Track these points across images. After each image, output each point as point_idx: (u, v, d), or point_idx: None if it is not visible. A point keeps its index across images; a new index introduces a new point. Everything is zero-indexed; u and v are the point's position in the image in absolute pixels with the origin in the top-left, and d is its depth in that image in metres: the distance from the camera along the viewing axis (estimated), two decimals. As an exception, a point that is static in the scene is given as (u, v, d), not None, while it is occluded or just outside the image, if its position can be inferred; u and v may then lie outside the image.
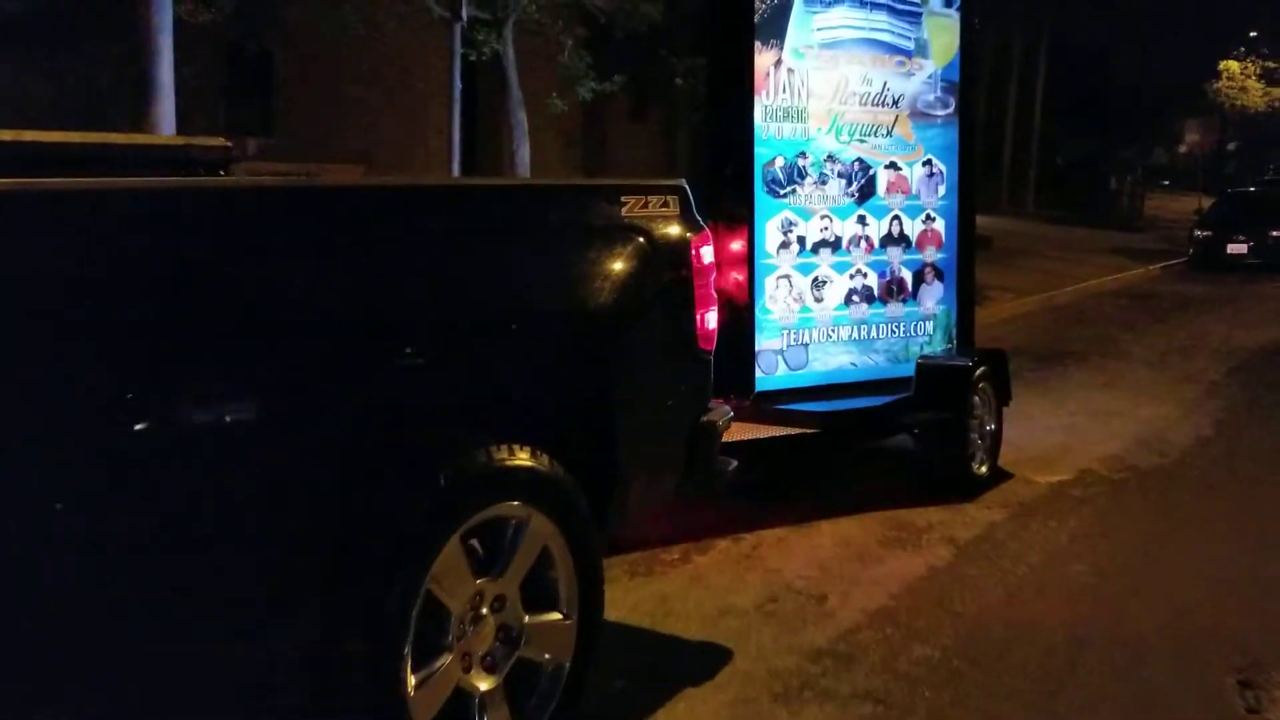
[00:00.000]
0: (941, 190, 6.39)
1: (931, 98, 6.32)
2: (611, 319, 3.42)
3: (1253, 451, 7.29)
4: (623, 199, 3.52)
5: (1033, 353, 11.31)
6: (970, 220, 6.53)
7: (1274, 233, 21.28)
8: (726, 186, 5.79)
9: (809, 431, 5.55)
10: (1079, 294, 16.82)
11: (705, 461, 3.79)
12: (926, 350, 6.40)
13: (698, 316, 3.70)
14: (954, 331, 6.51)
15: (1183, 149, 34.47)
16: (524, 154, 7.90)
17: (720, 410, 3.92)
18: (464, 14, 7.46)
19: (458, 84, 7.46)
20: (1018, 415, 7.97)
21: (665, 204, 3.61)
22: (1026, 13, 21.50)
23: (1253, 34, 37.93)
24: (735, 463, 4.00)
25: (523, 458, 3.02)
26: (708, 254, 3.73)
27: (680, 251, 3.62)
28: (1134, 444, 7.33)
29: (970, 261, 6.56)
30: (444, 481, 2.83)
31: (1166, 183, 40.09)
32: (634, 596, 4.53)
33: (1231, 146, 42.60)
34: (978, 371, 6.11)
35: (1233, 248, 21.36)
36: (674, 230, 3.62)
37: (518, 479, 3.01)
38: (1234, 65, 37.57)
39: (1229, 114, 37.67)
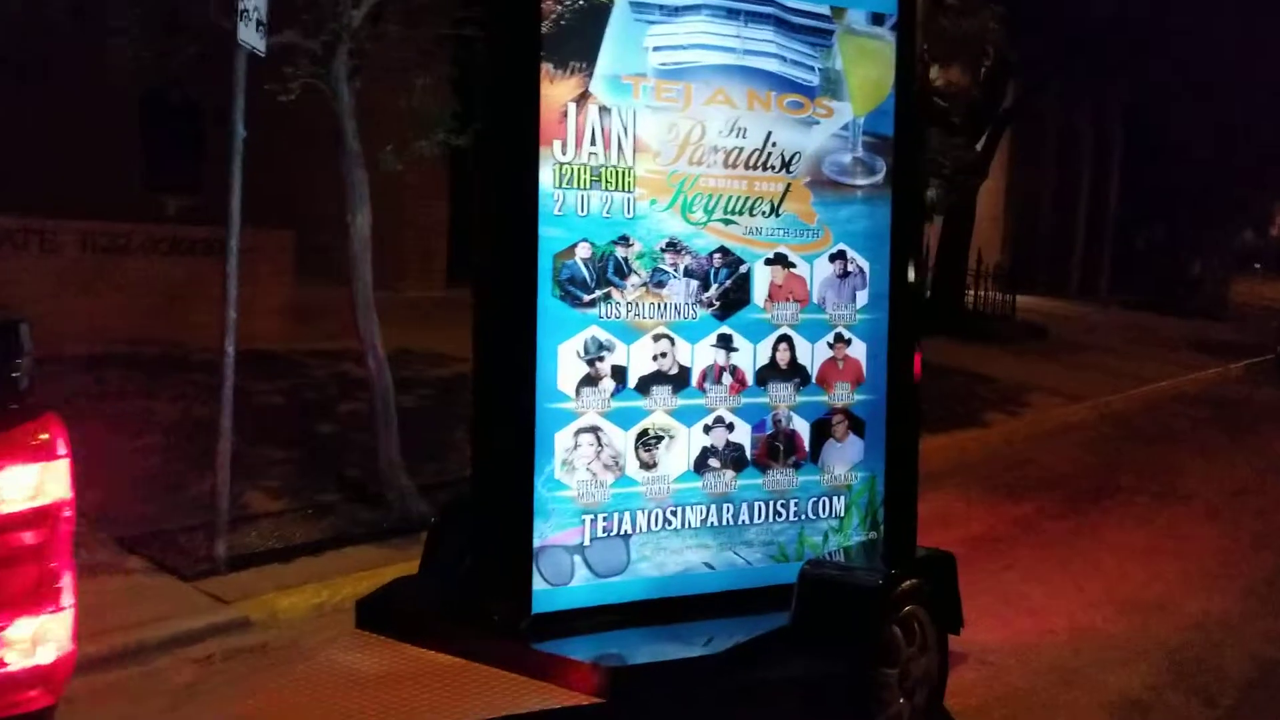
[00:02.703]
0: (862, 297, 4.23)
1: (848, 159, 4.17)
2: None
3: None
4: None
5: (1067, 487, 8.96)
6: (909, 341, 4.34)
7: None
8: (486, 283, 3.71)
9: (593, 704, 3.38)
10: (1143, 399, 14.30)
11: None
12: (834, 543, 4.20)
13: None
14: (880, 514, 4.30)
15: (1275, 231, 31.60)
16: (362, 222, 5.89)
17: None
18: (260, 39, 5.52)
19: (239, 130, 5.49)
20: (1015, 601, 5.74)
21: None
22: (1099, 83, 19.25)
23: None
24: None
25: None
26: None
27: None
28: (1169, 674, 5.01)
29: (910, 404, 4.35)
30: None
31: (1258, 266, 37.12)
32: None
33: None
34: (900, 588, 3.90)
35: (1330, 345, 18.61)
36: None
37: None
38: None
39: (1328, 194, 34.63)
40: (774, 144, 4.01)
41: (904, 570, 4.01)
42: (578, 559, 3.76)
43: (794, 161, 4.06)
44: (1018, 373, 14.46)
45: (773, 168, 4.02)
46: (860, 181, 4.19)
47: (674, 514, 3.92)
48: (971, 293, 18.04)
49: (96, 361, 8.79)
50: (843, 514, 4.23)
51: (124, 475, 6.59)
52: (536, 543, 3.69)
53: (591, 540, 3.78)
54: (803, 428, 4.14)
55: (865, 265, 4.22)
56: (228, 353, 5.60)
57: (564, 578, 3.73)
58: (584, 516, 3.76)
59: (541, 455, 3.68)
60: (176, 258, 10.30)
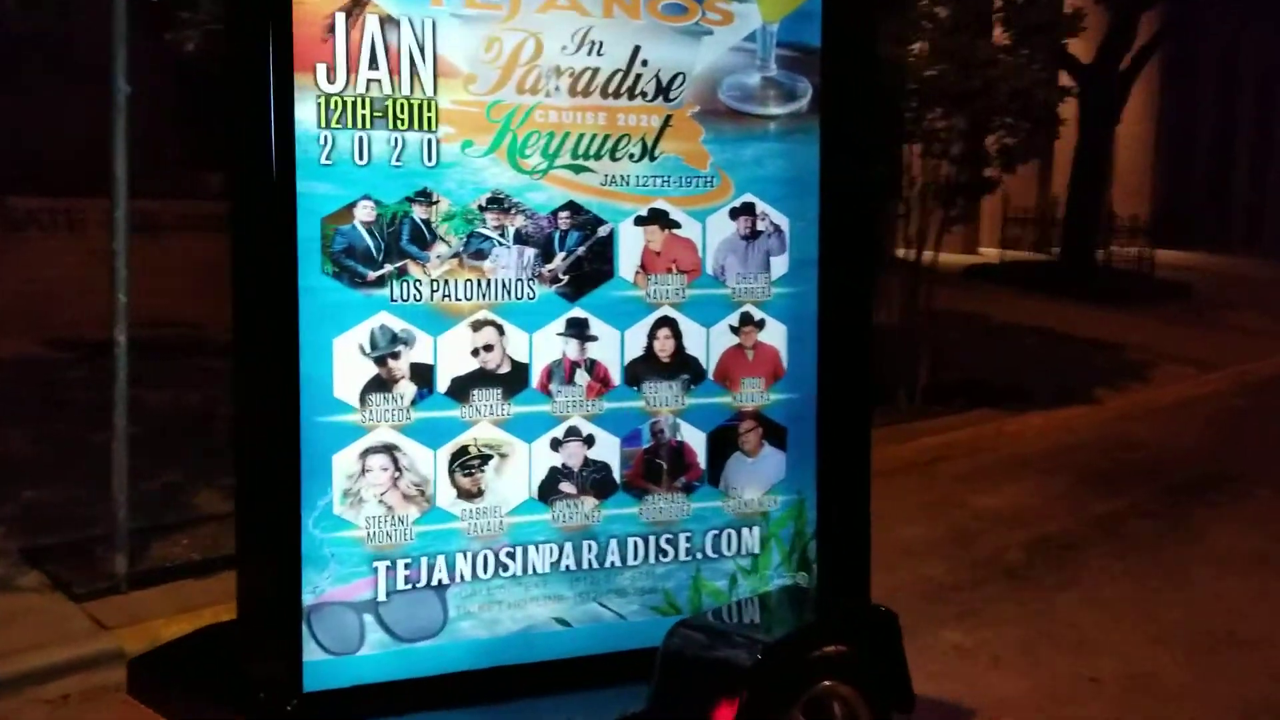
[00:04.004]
0: (779, 265, 3.18)
1: (754, 81, 3.13)
2: None
3: None
4: None
5: (1172, 476, 7.63)
6: (854, 320, 3.28)
7: None
8: (239, 258, 2.81)
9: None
10: (1290, 369, 12.60)
11: None
12: (746, 588, 3.20)
13: None
14: (811, 547, 3.27)
15: None
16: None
17: None
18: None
19: (121, 85, 4.73)
20: (1061, 632, 4.75)
21: None
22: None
23: None
24: None
25: None
26: None
27: None
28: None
29: (856, 404, 3.29)
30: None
31: None
32: None
33: None
34: (809, 657, 2.87)
35: None
36: None
37: None
38: None
39: None
40: (644, 63, 3.00)
41: (818, 633, 2.98)
42: (369, 619, 2.85)
43: (675, 86, 3.03)
44: (1146, 338, 12.93)
45: (644, 95, 3.01)
46: (774, 110, 3.14)
47: (510, 556, 2.98)
48: (1104, 249, 16.39)
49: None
50: (757, 550, 3.21)
51: (72, 474, 6.01)
52: (308, 599, 2.80)
53: (389, 594, 2.87)
54: (695, 439, 3.13)
55: (783, 222, 3.17)
56: (119, 342, 4.87)
57: (350, 644, 2.84)
58: (377, 563, 2.85)
59: (313, 484, 2.78)
60: (218, 235, 9.82)
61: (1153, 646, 4.71)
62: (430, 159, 2.83)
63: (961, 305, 13.69)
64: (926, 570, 5.64)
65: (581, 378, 3.01)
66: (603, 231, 3.00)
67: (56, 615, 4.73)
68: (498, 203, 2.90)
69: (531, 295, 2.94)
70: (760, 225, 3.15)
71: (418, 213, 2.83)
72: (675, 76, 3.03)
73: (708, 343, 3.13)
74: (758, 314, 3.17)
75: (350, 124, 2.76)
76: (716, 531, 3.17)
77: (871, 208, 3.28)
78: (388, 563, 2.86)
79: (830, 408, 3.23)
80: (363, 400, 2.81)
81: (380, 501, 2.84)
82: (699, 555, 3.15)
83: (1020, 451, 8.46)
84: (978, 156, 8.31)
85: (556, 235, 2.96)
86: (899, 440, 8.24)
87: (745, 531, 3.20)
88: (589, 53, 2.95)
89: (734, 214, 3.13)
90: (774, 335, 3.19)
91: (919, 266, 9.01)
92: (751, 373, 3.17)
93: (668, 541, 3.12)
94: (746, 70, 3.11)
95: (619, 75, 2.98)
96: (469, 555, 2.94)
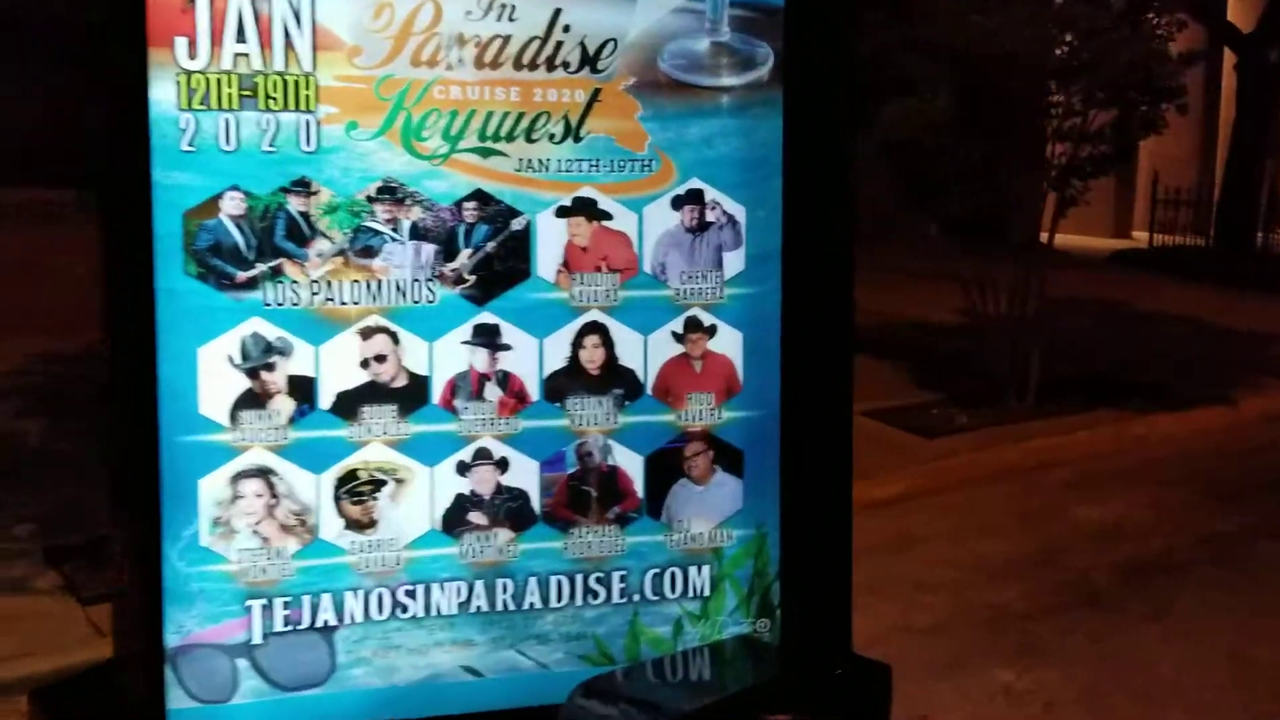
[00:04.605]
0: (734, 262, 2.72)
1: (703, 47, 2.67)
2: None
3: None
4: None
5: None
6: (830, 323, 2.79)
7: None
8: (104, 256, 2.50)
9: None
10: None
11: None
12: (694, 636, 2.76)
13: None
14: (774, 591, 2.81)
15: None
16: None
17: None
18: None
19: None
20: (1129, 673, 4.18)
21: None
22: None
23: None
24: None
25: None
26: None
27: None
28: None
29: (833, 422, 2.81)
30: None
31: None
32: None
33: None
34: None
35: None
36: None
37: None
38: None
39: None
40: (566, 29, 2.58)
41: (765, 697, 2.52)
42: (243, 664, 2.53)
43: (605, 55, 2.61)
44: (1308, 330, 11.78)
45: (566, 66, 2.60)
46: (727, 80, 2.68)
47: (410, 595, 2.62)
48: (1265, 234, 15.12)
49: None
50: (707, 592, 2.77)
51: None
52: (173, 640, 2.49)
53: (266, 636, 2.54)
54: (631, 463, 2.71)
55: (738, 211, 2.72)
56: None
57: (221, 691, 2.52)
58: (251, 601, 2.53)
59: (176, 511, 2.47)
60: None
61: (1235, 695, 4.07)
62: (308, 143, 2.48)
63: (1101, 293, 12.77)
64: (996, 594, 5.07)
65: (492, 392, 2.62)
66: (517, 225, 2.60)
67: (60, 620, 4.60)
68: (389, 192, 2.53)
69: (431, 298, 2.57)
70: (710, 215, 2.70)
71: (294, 205, 2.48)
72: (605, 44, 2.61)
73: (645, 352, 2.70)
74: (707, 318, 2.72)
75: (215, 105, 2.43)
76: (657, 570, 2.74)
77: (849, 192, 2.79)
78: (263, 601, 2.53)
79: (797, 428, 2.76)
80: (233, 418, 2.49)
81: (254, 532, 2.52)
82: (636, 597, 2.73)
83: (1142, 457, 7.69)
84: (1088, 135, 7.56)
85: (461, 229, 2.57)
86: (1003, 443, 7.59)
87: (693, 571, 2.76)
88: (498, 18, 2.55)
89: (677, 202, 2.68)
90: (727, 343, 2.74)
91: (1034, 251, 8.29)
92: (700, 387, 2.73)
93: (598, 581, 2.71)
94: (693, 34, 2.66)
95: (535, 44, 2.57)
96: (360, 594, 2.59)
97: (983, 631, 4.63)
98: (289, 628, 2.55)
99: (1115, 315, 11.88)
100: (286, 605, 2.55)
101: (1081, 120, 7.72)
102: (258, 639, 2.54)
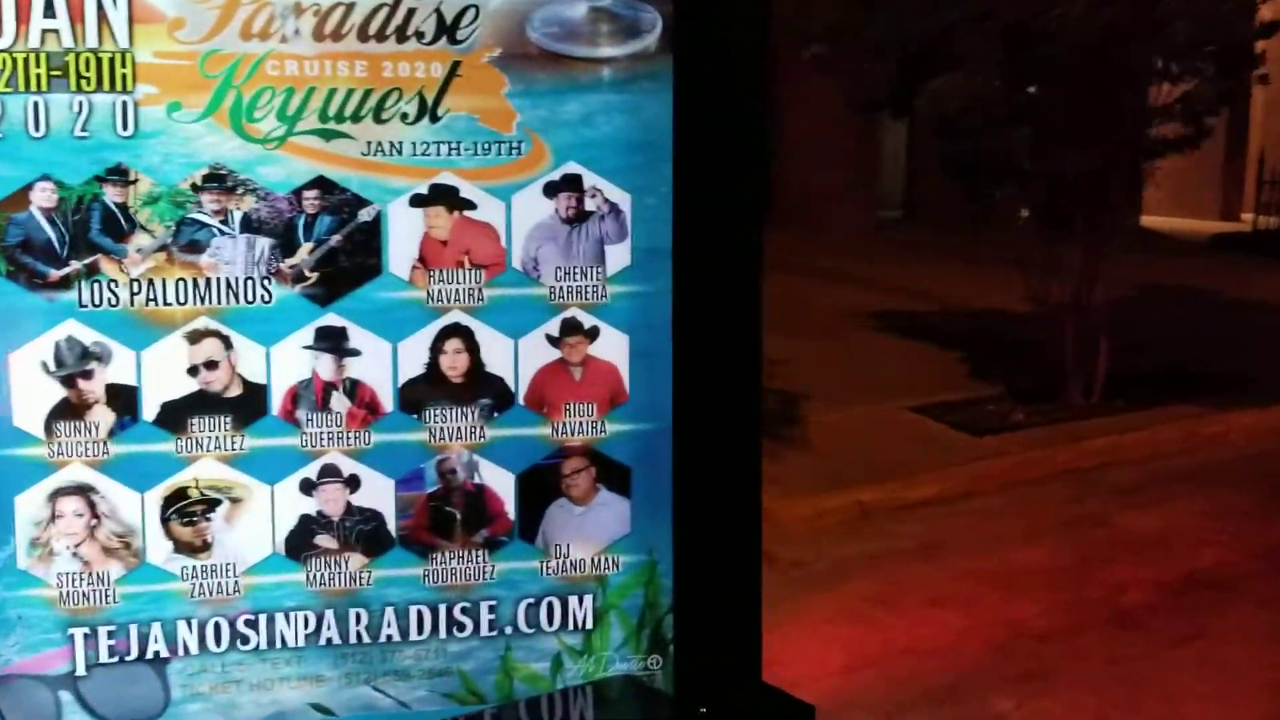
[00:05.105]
0: (618, 256, 2.41)
1: (579, 13, 2.35)
2: None
3: None
4: None
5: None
6: (735, 326, 2.47)
7: None
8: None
9: None
10: None
11: None
12: (576, 673, 2.47)
13: None
14: (668, 624, 2.50)
15: None
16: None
17: None
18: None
19: None
20: (1152, 703, 3.73)
21: None
22: None
23: None
24: None
25: None
26: None
27: None
28: None
29: (738, 434, 2.48)
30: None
31: None
32: None
33: None
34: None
35: None
36: None
37: None
38: None
39: None
40: (417, -9, 2.30)
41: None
42: (66, 696, 2.32)
43: (465, 23, 2.32)
44: None
45: (420, 37, 2.31)
46: (607, 50, 2.37)
47: (251, 625, 2.38)
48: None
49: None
50: (590, 625, 2.48)
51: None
52: (-10, 670, 2.30)
53: (89, 668, 2.32)
54: (501, 481, 2.42)
55: (622, 199, 2.40)
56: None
57: (44, 727, 2.32)
58: (73, 630, 2.31)
59: (-12, 533, 2.28)
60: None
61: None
62: (125, 127, 2.23)
63: (1192, 279, 12.06)
64: (1014, 609, 4.68)
65: (340, 403, 2.35)
66: (365, 215, 2.33)
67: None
68: (217, 180, 2.27)
69: (267, 298, 2.31)
70: (589, 204, 2.40)
71: (111, 195, 2.25)
72: (464, 10, 2.31)
73: (516, 358, 2.41)
74: (587, 320, 2.42)
75: (22, 87, 2.20)
76: (532, 600, 2.45)
77: (757, 175, 2.45)
78: (86, 629, 2.32)
79: (693, 443, 2.45)
80: (49, 430, 2.27)
81: (75, 555, 2.30)
82: (508, 630, 2.45)
83: (1211, 458, 7.15)
84: (1159, 111, 7.02)
85: (301, 221, 2.31)
86: (1059, 442, 7.13)
87: (573, 601, 2.47)
88: (336, -20, 2.28)
89: (551, 189, 2.38)
90: (611, 348, 2.43)
91: (1099, 233, 7.75)
92: (579, 396, 2.43)
93: (464, 611, 2.43)
94: (565, -1, 2.36)
95: (383, 12, 2.29)
96: (194, 623, 2.35)
97: (986, 653, 4.26)
98: (115, 658, 2.33)
99: (1204, 303, 11.19)
100: (111, 635, 2.32)
101: (1155, 94, 7.19)
102: (81, 670, 2.32)
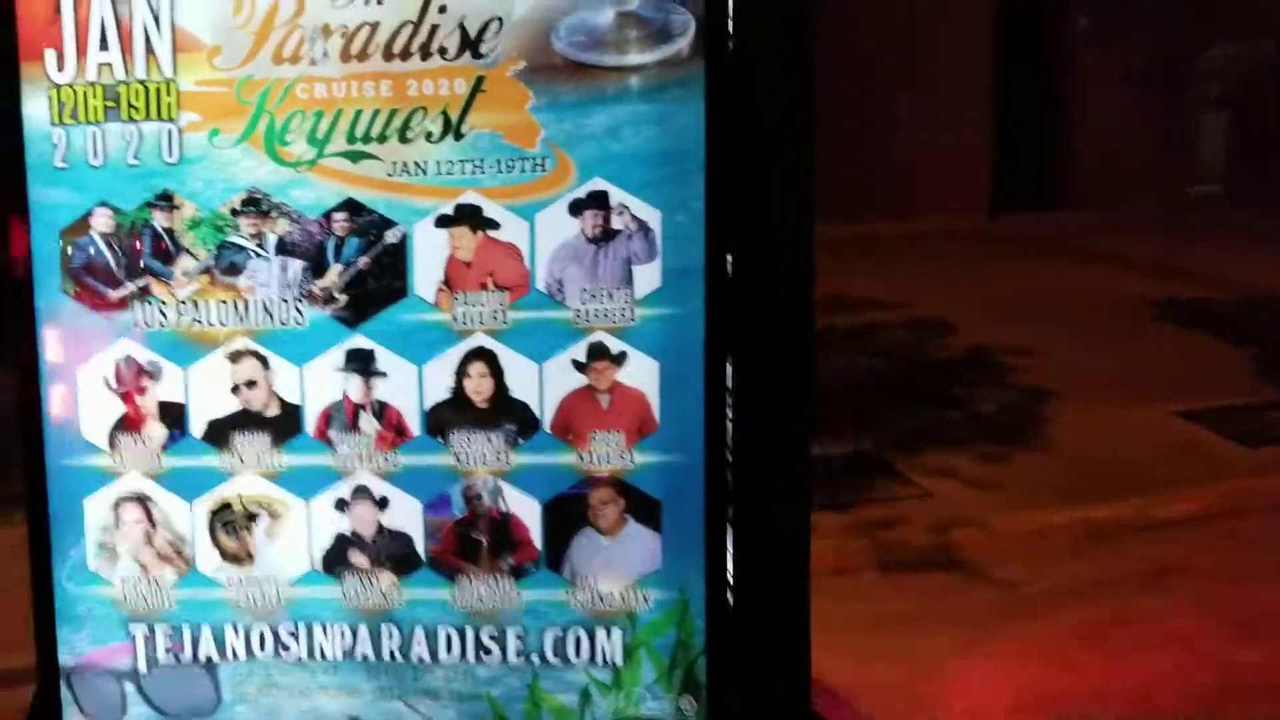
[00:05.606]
0: (647, 278, 2.26)
1: (606, 20, 2.22)
2: None
3: None
4: None
5: None
6: (780, 350, 2.27)
7: None
8: None
9: None
10: None
11: None
12: (605, 709, 2.36)
13: None
14: (700, 666, 2.34)
15: None
16: None
17: None
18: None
19: None
20: None
21: None
22: None
23: None
24: None
25: None
26: None
27: None
28: None
29: (783, 467, 2.29)
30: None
31: None
32: None
33: None
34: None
35: None
36: None
37: None
38: None
39: None
40: (442, 9, 2.25)
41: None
42: (130, 688, 2.47)
43: (489, 36, 2.25)
44: None
45: (443, 53, 2.26)
46: (636, 58, 2.23)
47: (293, 635, 2.44)
48: None
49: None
50: (620, 660, 2.37)
51: None
52: (68, 659, 2.47)
53: (149, 665, 2.46)
54: (527, 509, 2.35)
55: (651, 216, 2.26)
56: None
57: (113, 714, 2.47)
58: (134, 628, 2.46)
59: (63, 532, 2.44)
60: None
61: None
62: (170, 154, 2.33)
63: None
64: (1240, 654, 4.12)
65: (368, 424, 2.37)
66: (392, 237, 2.32)
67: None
68: (254, 204, 2.33)
69: (300, 320, 2.35)
70: (616, 222, 2.27)
71: (159, 220, 2.35)
72: (488, 24, 2.25)
73: (541, 383, 2.33)
74: (615, 345, 2.30)
75: (84, 118, 2.34)
76: (559, 631, 2.37)
77: (802, 187, 2.24)
78: (145, 629, 2.46)
79: (726, 479, 2.28)
80: (112, 441, 2.42)
81: (135, 559, 2.44)
82: (537, 659, 2.39)
83: None
84: None
85: (330, 243, 2.33)
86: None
87: (600, 634, 2.37)
88: (366, 1, 2.27)
89: (576, 207, 2.28)
90: (640, 374, 2.30)
91: None
92: (606, 424, 2.32)
93: (492, 638, 2.39)
94: (594, 5, 2.24)
95: (407, 29, 2.26)
96: (240, 629, 2.45)
97: (1199, 710, 3.76)
98: (170, 657, 2.46)
99: None
100: (168, 635, 2.46)
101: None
102: (142, 667, 2.47)
